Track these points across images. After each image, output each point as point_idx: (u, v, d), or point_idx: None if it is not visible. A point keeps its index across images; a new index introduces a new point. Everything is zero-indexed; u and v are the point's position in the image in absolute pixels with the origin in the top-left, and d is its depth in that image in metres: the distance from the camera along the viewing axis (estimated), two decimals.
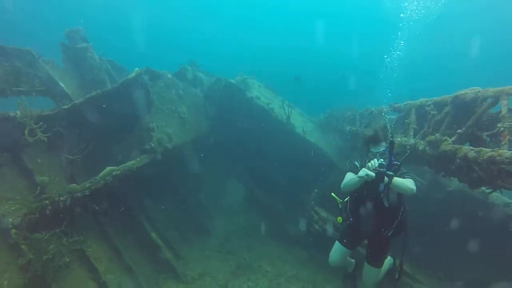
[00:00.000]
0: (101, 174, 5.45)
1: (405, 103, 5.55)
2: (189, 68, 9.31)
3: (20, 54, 7.02)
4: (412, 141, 4.90)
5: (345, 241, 4.11)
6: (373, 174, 3.43)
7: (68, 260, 4.63)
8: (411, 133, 5.13)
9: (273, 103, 8.66)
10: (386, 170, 3.45)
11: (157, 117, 6.85)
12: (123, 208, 6.36)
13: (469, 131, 4.15)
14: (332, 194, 4.13)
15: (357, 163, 3.87)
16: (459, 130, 4.24)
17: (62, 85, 7.12)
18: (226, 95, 8.61)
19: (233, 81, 8.49)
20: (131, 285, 5.51)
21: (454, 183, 6.56)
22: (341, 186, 3.82)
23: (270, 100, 8.87)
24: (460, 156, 3.84)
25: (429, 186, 6.85)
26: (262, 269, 6.67)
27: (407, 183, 3.45)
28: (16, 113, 5.44)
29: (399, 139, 5.28)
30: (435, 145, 4.38)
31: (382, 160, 3.53)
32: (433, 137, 4.42)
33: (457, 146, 3.99)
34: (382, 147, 3.65)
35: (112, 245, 5.76)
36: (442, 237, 6.39)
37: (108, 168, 5.59)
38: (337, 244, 4.18)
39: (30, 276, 4.35)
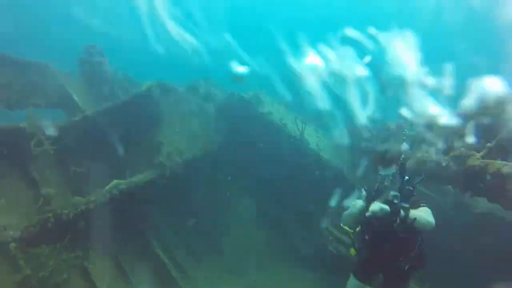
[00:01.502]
0: (107, 187, 5.32)
1: None
2: (202, 82, 9.27)
3: (38, 67, 7.15)
4: (434, 157, 4.54)
5: (359, 275, 3.72)
6: (387, 208, 3.05)
7: (66, 277, 4.40)
8: (434, 148, 4.77)
9: (286, 118, 8.46)
10: (401, 202, 3.08)
11: (167, 131, 6.76)
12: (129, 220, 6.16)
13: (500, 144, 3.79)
14: (342, 225, 3.78)
15: (363, 191, 3.55)
16: (488, 144, 3.88)
17: (76, 98, 7.17)
18: (238, 111, 8.48)
19: (245, 96, 8.37)
20: None
21: (482, 204, 6.06)
22: (341, 221, 3.52)
23: (283, 115, 8.68)
24: (491, 172, 3.47)
25: (453, 208, 6.37)
26: None
27: (425, 216, 3.08)
28: (26, 125, 5.44)
29: (419, 155, 4.94)
30: (460, 161, 4.02)
31: (395, 192, 3.13)
32: (458, 151, 4.07)
33: (487, 161, 3.63)
34: (393, 169, 3.33)
35: (116, 261, 5.52)
36: (469, 264, 5.87)
37: (115, 182, 5.46)
38: (351, 279, 3.81)
39: None
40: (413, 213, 3.06)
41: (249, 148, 8.75)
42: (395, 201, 3.06)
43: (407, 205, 3.07)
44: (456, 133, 4.78)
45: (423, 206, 3.18)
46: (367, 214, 3.17)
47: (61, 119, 6.40)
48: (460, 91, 4.25)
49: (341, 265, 5.74)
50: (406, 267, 3.32)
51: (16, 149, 5.33)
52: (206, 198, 9.12)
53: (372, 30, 5.06)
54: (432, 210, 3.24)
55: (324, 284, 6.44)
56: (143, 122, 6.68)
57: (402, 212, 3.02)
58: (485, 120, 4.05)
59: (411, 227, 3.12)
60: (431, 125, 5.00)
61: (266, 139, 8.42)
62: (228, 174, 9.43)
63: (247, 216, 10.05)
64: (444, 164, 4.25)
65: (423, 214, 3.09)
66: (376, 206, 3.10)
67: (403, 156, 3.38)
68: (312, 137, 8.29)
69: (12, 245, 4.26)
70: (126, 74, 9.01)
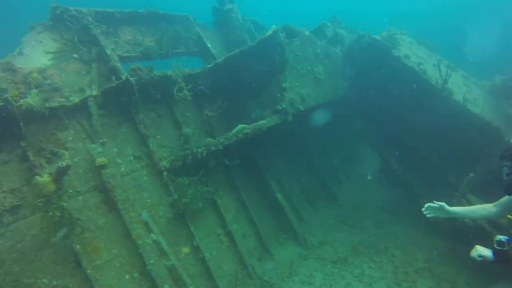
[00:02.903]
0: (233, 131, 5.78)
1: None
2: (329, 24, 8.60)
3: (180, 20, 7.92)
4: None
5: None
6: (489, 254, 2.63)
7: (201, 206, 5.23)
8: None
9: (426, 63, 7.15)
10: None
11: (291, 76, 6.66)
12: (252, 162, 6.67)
13: None
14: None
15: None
16: None
17: (209, 45, 7.76)
18: (369, 54, 7.58)
19: (378, 37, 7.35)
20: (253, 237, 5.90)
21: None
22: None
23: (422, 59, 7.36)
24: None
25: None
26: (388, 252, 5.99)
27: None
28: (171, 73, 6.24)
29: None
30: None
31: (504, 237, 2.60)
32: None
33: None
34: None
35: (240, 198, 6.21)
36: None
37: (240, 126, 5.86)
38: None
39: (175, 212, 5.19)
40: None
41: (379, 96, 7.94)
42: (501, 248, 2.58)
43: None
44: None
45: None
46: (471, 255, 2.83)
47: (199, 67, 7.08)
48: None
49: (478, 238, 4.97)
50: None
51: (166, 94, 6.24)
52: (329, 146, 9.02)
53: None
54: None
55: (452, 255, 5.74)
56: (268, 67, 6.76)
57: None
58: None
59: None
60: None
61: (400, 86, 7.41)
62: (353, 124, 8.96)
63: (370, 169, 9.57)
64: None
65: None
66: (475, 251, 2.77)
67: None
68: (459, 87, 6.86)
69: (165, 173, 5.26)
70: (254, 19, 9.13)
